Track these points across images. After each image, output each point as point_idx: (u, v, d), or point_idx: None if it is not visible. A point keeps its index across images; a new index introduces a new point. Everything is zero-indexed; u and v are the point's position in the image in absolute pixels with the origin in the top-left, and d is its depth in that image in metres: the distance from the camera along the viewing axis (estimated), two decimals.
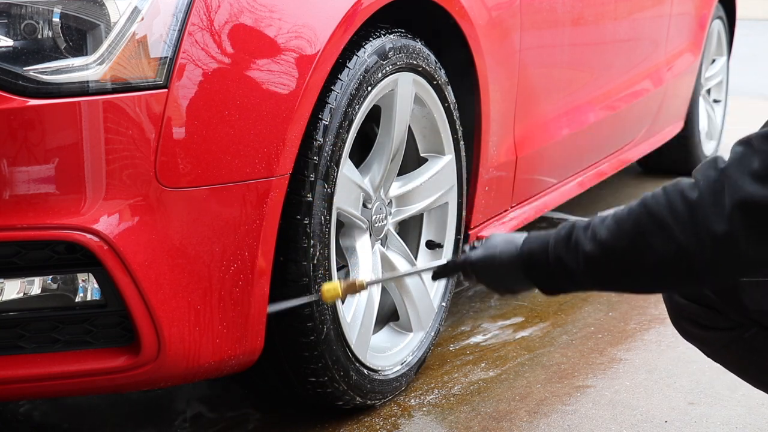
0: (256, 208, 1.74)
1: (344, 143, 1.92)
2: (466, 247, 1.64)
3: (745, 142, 1.31)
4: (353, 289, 1.72)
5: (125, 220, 1.60)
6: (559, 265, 1.45)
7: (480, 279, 1.60)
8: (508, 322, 2.69)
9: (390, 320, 2.32)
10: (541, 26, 2.73)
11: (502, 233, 1.59)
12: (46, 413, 2.19)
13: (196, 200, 1.66)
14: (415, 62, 2.12)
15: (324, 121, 1.87)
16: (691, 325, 1.61)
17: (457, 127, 2.32)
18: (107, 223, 1.59)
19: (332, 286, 1.70)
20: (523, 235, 1.55)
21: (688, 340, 1.67)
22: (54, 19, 1.58)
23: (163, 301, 1.64)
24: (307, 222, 1.85)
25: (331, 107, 1.88)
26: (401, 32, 2.10)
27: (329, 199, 1.90)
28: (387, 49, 2.02)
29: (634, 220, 1.38)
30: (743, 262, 1.32)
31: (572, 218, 3.79)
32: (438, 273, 1.70)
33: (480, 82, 2.37)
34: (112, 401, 2.23)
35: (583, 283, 1.46)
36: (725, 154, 1.45)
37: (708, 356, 1.69)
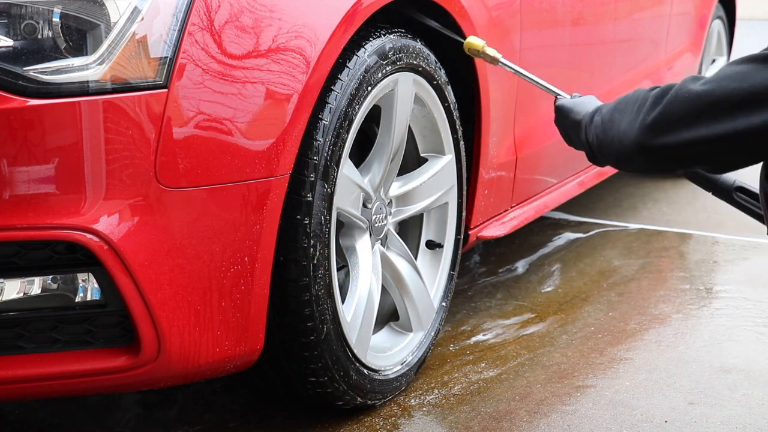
0: (256, 208, 1.74)
1: (344, 143, 1.92)
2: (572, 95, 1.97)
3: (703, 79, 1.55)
4: (489, 58, 2.09)
5: (125, 220, 1.60)
6: (585, 135, 1.78)
7: (555, 123, 1.96)
8: (508, 321, 2.69)
9: (390, 320, 2.32)
10: (541, 26, 2.73)
11: (596, 99, 1.90)
12: (51, 413, 2.19)
13: (196, 200, 1.66)
14: (415, 62, 2.12)
15: (324, 121, 1.87)
16: None
17: (457, 127, 2.32)
18: (107, 223, 1.59)
19: (479, 43, 2.08)
20: (600, 105, 1.82)
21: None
22: (54, 19, 1.58)
23: (163, 301, 1.64)
24: (307, 222, 1.85)
25: (331, 107, 1.88)
26: (401, 32, 2.10)
27: (329, 199, 1.90)
28: (387, 49, 2.02)
29: (622, 99, 1.67)
30: (663, 152, 1.57)
31: (571, 217, 3.79)
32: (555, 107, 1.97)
33: (480, 82, 2.37)
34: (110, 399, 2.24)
35: (594, 155, 1.76)
36: None
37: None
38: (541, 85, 2.06)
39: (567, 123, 1.90)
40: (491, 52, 2.09)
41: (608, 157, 1.70)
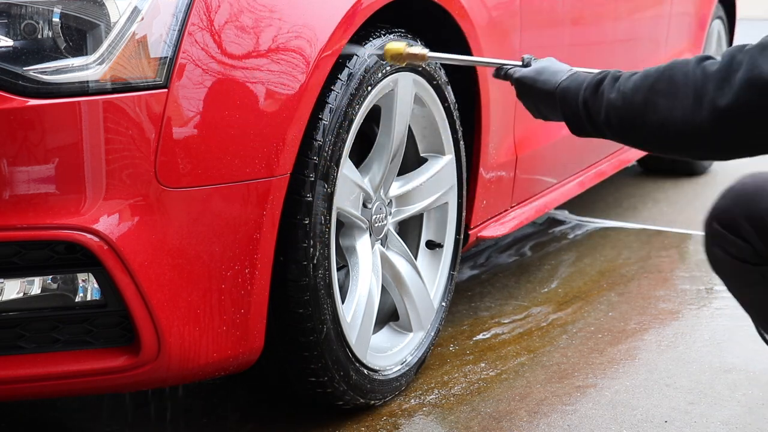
0: (256, 208, 1.74)
1: (344, 143, 1.92)
2: (520, 61, 1.79)
3: None
4: (416, 58, 1.89)
5: (125, 220, 1.60)
6: (585, 109, 1.57)
7: (520, 97, 1.75)
8: (507, 321, 2.69)
9: (390, 320, 2.32)
10: (541, 26, 2.73)
11: (556, 61, 1.72)
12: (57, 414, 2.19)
13: (196, 200, 1.66)
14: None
15: (324, 121, 1.87)
16: (723, 253, 1.62)
17: (457, 127, 2.32)
18: (107, 223, 1.59)
19: (399, 46, 1.88)
20: (571, 70, 1.65)
21: (716, 270, 1.68)
22: (54, 19, 1.58)
23: (163, 301, 1.64)
24: (307, 222, 1.85)
25: (331, 107, 1.88)
26: (401, 32, 2.10)
27: (329, 199, 1.90)
28: None
29: (656, 77, 1.46)
30: (736, 140, 1.39)
31: (571, 217, 3.79)
32: (496, 73, 1.83)
33: (480, 82, 2.37)
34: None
35: (602, 129, 1.56)
36: None
37: (730, 291, 1.70)
38: (486, 62, 1.92)
39: (535, 96, 1.71)
40: (416, 50, 1.91)
41: (650, 141, 1.50)
